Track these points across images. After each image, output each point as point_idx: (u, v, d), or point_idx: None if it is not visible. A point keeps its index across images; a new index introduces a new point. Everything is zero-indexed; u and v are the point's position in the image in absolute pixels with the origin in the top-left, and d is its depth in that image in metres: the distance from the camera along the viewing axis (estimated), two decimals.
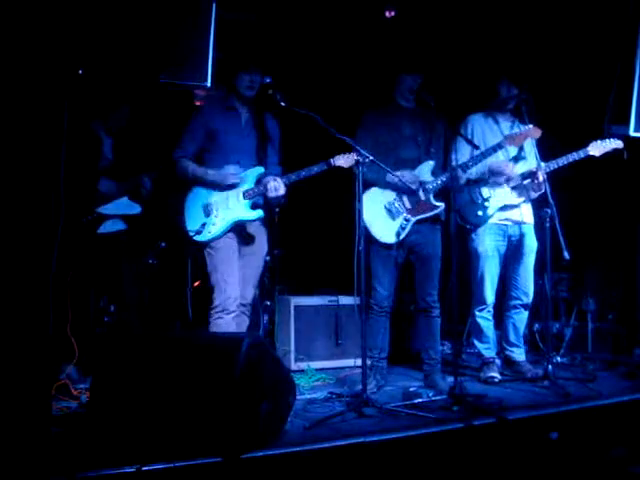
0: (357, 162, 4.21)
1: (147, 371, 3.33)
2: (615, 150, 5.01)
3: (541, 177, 4.91)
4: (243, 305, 4.60)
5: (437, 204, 4.82)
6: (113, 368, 3.40)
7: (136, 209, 5.01)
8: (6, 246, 2.99)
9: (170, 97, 5.64)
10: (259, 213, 4.56)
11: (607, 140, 4.99)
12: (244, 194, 4.53)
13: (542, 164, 4.92)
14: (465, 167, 4.90)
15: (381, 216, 4.80)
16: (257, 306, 5.24)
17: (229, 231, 4.52)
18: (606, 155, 5.01)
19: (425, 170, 4.83)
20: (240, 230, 4.57)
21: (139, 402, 3.25)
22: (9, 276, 2.99)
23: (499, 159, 5.11)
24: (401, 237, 4.76)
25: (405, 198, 4.82)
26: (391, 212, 4.82)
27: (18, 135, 3.06)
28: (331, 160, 4.50)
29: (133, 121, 5.12)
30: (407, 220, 4.79)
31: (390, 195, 4.84)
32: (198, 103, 6.11)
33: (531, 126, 4.89)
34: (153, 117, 5.35)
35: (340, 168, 4.51)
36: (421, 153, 4.89)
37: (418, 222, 4.81)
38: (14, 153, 3.04)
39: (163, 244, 5.61)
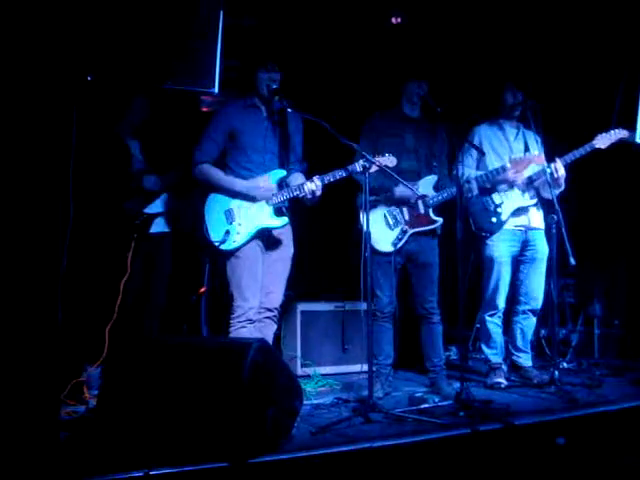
0: (364, 169, 4.21)
1: (155, 375, 3.34)
2: (620, 140, 5.00)
3: (561, 170, 4.90)
4: (270, 310, 4.49)
5: (435, 219, 4.85)
6: (121, 372, 3.42)
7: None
8: (16, 248, 3.01)
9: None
10: (284, 220, 4.43)
11: (612, 131, 4.98)
12: (268, 200, 4.41)
13: (547, 167, 4.91)
14: (471, 182, 4.92)
15: (380, 224, 4.82)
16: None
17: (254, 238, 4.41)
18: (612, 147, 4.99)
19: (428, 184, 4.85)
20: (266, 236, 4.45)
21: (147, 406, 3.26)
22: (18, 280, 3.01)
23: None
24: (397, 247, 4.79)
25: (405, 209, 4.85)
26: (389, 222, 4.84)
27: (28, 140, 3.08)
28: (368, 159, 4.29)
29: (155, 119, 5.10)
30: (404, 232, 4.81)
31: (390, 205, 4.86)
32: (205, 109, 6.11)
33: (536, 153, 4.90)
34: (173, 112, 5.32)
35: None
36: (422, 166, 4.90)
37: (416, 233, 4.83)
38: (24, 158, 3.07)
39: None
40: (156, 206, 4.94)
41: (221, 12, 3.71)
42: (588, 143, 4.98)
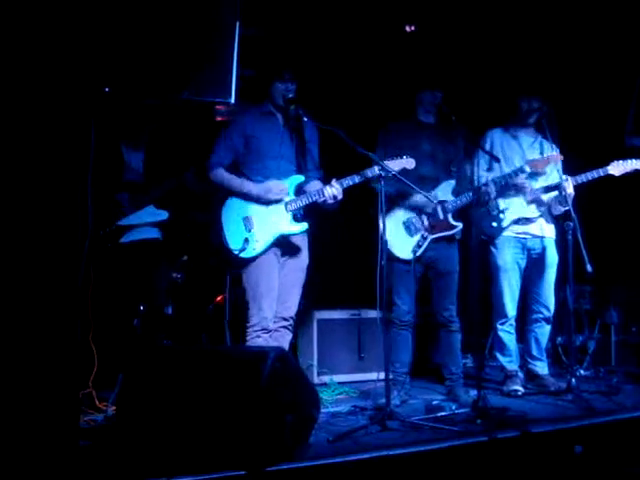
0: (379, 177, 4.22)
1: (173, 384, 3.35)
2: (635, 171, 5.00)
3: (570, 188, 4.90)
4: (285, 320, 4.48)
5: (455, 224, 4.85)
6: (140, 380, 3.44)
7: (162, 215, 5.01)
8: (35, 258, 3.05)
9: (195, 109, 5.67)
10: (304, 226, 4.42)
11: (628, 161, 5.00)
12: (286, 206, 4.41)
13: (564, 177, 4.91)
14: (488, 185, 4.92)
15: (399, 232, 4.82)
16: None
17: (272, 246, 4.40)
18: (625, 175, 5.00)
19: (446, 189, 4.86)
20: (283, 243, 4.44)
21: (166, 415, 3.28)
22: (37, 289, 3.04)
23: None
24: (417, 254, 4.78)
25: (424, 216, 4.85)
26: (409, 229, 4.84)
27: (46, 152, 3.12)
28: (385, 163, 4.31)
29: (161, 133, 5.13)
30: (424, 238, 4.81)
31: (410, 212, 4.87)
32: (219, 119, 6.14)
33: (554, 153, 4.88)
34: (179, 128, 5.35)
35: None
36: (439, 171, 4.90)
37: (435, 240, 4.83)
38: (42, 170, 3.10)
39: (185, 257, 5.63)
40: (134, 218, 4.94)
41: (237, 22, 3.73)
42: (602, 168, 5.00)
